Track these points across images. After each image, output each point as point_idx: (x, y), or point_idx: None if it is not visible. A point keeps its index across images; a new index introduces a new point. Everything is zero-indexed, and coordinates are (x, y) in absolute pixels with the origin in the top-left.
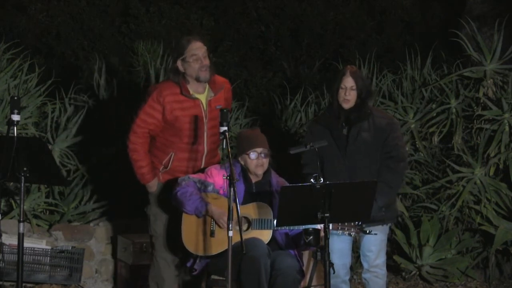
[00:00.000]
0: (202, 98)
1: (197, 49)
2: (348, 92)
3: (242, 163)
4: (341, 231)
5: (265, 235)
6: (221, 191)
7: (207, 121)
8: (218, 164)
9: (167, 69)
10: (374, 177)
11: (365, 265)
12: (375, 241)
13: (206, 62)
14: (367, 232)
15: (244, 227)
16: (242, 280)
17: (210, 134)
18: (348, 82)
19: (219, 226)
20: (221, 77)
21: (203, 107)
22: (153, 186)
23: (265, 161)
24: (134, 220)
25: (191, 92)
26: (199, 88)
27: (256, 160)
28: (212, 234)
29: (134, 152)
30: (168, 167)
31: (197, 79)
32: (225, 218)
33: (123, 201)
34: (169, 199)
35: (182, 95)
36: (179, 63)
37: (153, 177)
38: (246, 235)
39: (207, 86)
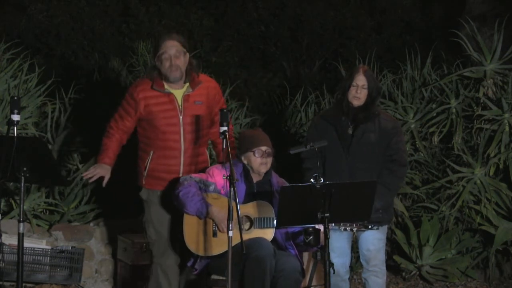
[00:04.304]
0: (178, 93)
1: (170, 48)
2: (360, 90)
3: (245, 162)
4: (342, 227)
5: (268, 234)
6: (222, 191)
7: (182, 116)
8: (220, 164)
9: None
10: (374, 178)
11: (364, 264)
12: (373, 240)
13: (176, 62)
14: (369, 227)
15: (247, 226)
16: (246, 279)
17: (188, 131)
18: (360, 80)
19: (220, 231)
20: (207, 77)
21: (177, 102)
22: (103, 168)
23: (269, 160)
24: (134, 220)
25: (165, 87)
26: (176, 84)
27: (261, 158)
28: (214, 234)
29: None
30: (147, 167)
31: (166, 78)
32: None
33: (123, 201)
34: (165, 203)
35: (152, 89)
36: (156, 60)
37: (106, 161)
38: (249, 234)
39: (188, 82)
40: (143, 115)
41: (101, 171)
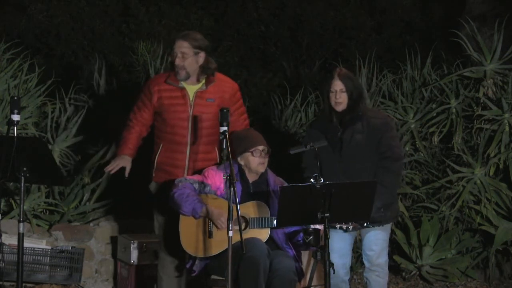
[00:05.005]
0: (192, 89)
1: (176, 48)
2: (339, 95)
3: (242, 162)
4: (338, 225)
5: (263, 234)
6: (218, 192)
7: (192, 112)
8: (215, 165)
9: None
10: (371, 178)
11: (366, 264)
12: (377, 241)
13: (181, 62)
14: (364, 225)
15: (242, 226)
16: (240, 279)
17: (196, 127)
18: (337, 85)
19: (217, 227)
20: (223, 76)
21: (189, 97)
22: (123, 159)
23: (267, 159)
24: (135, 220)
25: (180, 81)
26: (190, 80)
27: (259, 157)
28: (210, 235)
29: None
30: (156, 160)
31: (175, 75)
32: (223, 219)
33: (123, 201)
34: (162, 202)
35: (166, 84)
36: (171, 56)
37: (126, 152)
38: (245, 235)
39: (204, 80)
40: (156, 107)
41: (121, 161)
